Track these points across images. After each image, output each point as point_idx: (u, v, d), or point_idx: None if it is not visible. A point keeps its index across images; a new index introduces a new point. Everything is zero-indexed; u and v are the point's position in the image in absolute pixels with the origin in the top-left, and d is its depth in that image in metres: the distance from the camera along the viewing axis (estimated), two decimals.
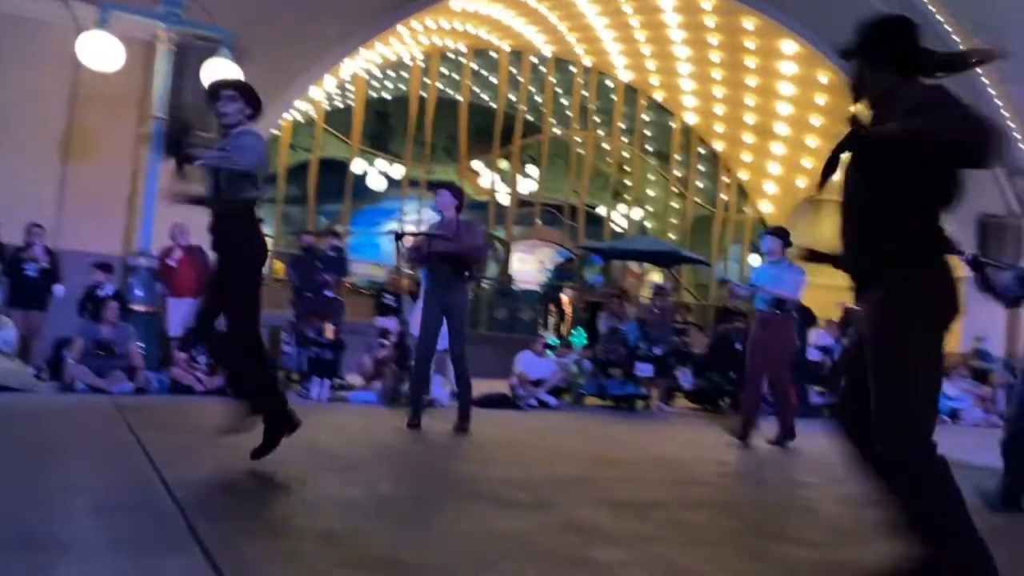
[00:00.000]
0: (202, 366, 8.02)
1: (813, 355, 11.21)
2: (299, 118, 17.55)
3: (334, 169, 17.85)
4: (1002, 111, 16.70)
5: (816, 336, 11.65)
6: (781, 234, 7.10)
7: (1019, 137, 16.90)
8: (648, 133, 21.22)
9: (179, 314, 8.78)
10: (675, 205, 21.56)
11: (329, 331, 8.58)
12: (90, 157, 10.45)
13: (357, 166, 17.96)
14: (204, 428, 5.83)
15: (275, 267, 16.56)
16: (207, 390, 7.86)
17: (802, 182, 20.08)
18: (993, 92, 16.54)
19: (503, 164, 19.49)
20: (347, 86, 17.90)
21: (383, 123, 19.16)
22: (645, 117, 20.90)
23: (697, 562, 2.86)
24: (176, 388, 7.85)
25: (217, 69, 9.44)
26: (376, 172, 18.41)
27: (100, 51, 9.01)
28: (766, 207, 21.55)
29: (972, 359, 13.66)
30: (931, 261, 2.36)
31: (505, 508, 3.57)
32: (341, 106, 18.35)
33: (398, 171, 18.44)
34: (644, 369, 10.08)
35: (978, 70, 16.12)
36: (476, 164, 19.39)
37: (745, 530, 3.47)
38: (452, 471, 3.98)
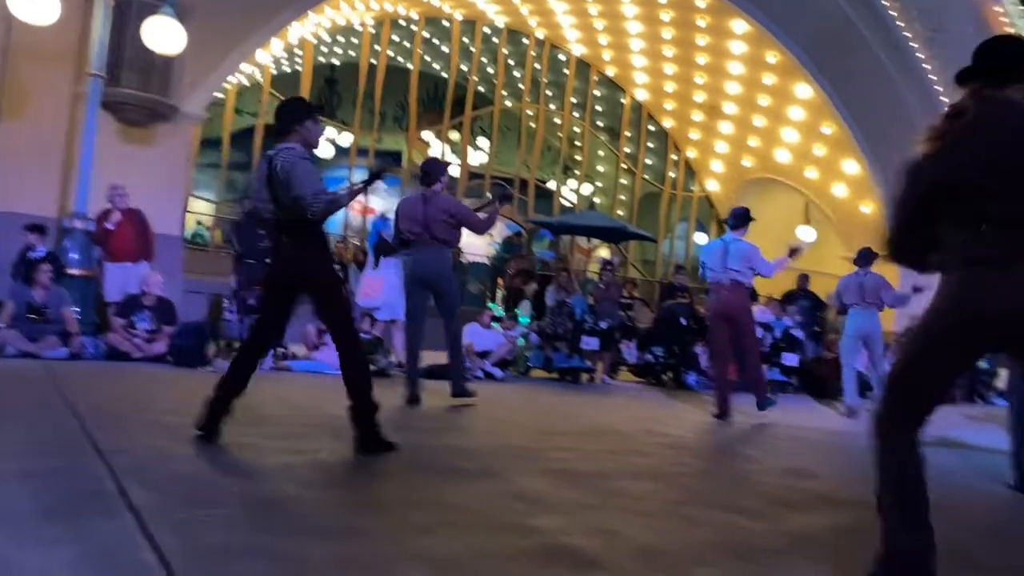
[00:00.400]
0: (140, 332, 7.83)
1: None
2: (244, 82, 17.12)
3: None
4: (942, 97, 17.11)
5: (757, 313, 11.86)
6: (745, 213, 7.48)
7: None
8: (599, 108, 21.24)
9: (117, 278, 8.55)
10: (624, 181, 21.68)
11: None
12: (23, 115, 10.06)
13: None
14: (140, 394, 5.71)
15: (216, 235, 16.25)
16: (145, 356, 7.69)
17: (748, 161, 20.35)
18: (934, 78, 16.92)
19: (454, 135, 19.33)
20: (295, 51, 17.50)
21: (331, 90, 18.81)
22: (596, 92, 20.90)
23: (635, 529, 2.90)
24: (113, 354, 7.65)
25: (158, 27, 9.12)
26: (324, 139, 18.06)
27: (33, 3, 8.61)
28: (712, 185, 21.81)
29: (904, 338, 14.05)
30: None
31: (449, 477, 3.57)
32: (289, 71, 17.95)
33: (346, 139, 18.14)
34: (590, 343, 10.17)
35: (919, 55, 16.50)
36: (426, 134, 19.19)
37: (683, 499, 3.53)
38: (397, 441, 3.96)
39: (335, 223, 17.63)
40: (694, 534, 2.93)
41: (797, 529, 3.15)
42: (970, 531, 3.35)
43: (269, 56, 16.70)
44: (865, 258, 8.81)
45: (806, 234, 19.45)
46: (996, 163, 2.21)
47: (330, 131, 18.17)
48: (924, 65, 16.75)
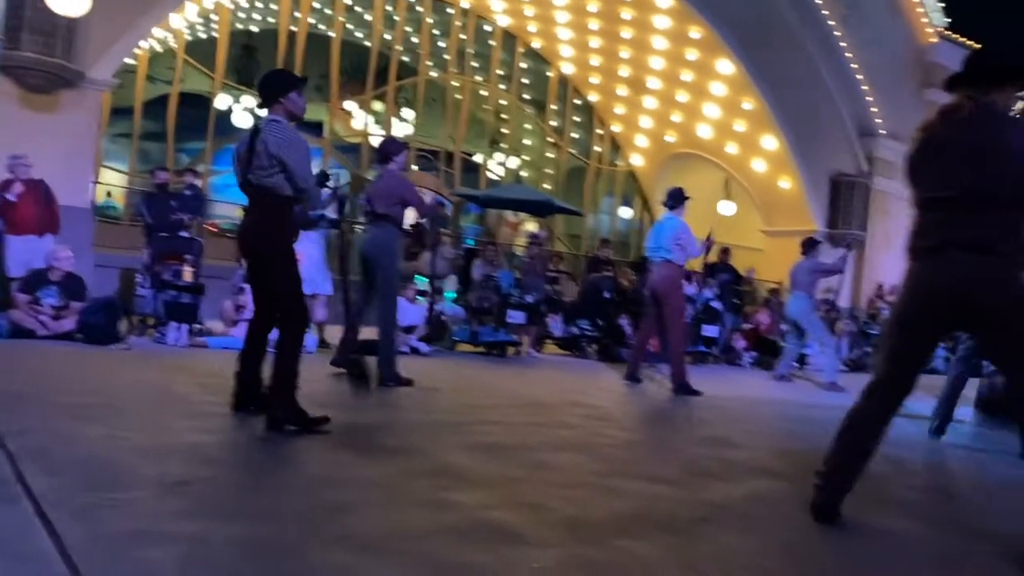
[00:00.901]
0: (46, 308, 7.46)
1: None
2: (157, 48, 16.40)
3: (196, 104, 16.81)
4: (856, 75, 17.60)
5: None
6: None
7: (870, 100, 17.88)
8: (525, 81, 21.12)
9: (19, 253, 8.12)
10: (550, 155, 21.67)
11: (187, 273, 8.14)
12: None
13: (221, 102, 17.00)
14: (46, 374, 5.44)
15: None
16: (52, 334, 7.34)
17: (671, 137, 20.58)
18: (849, 55, 17.37)
19: (377, 105, 18.96)
20: (211, 16, 16.83)
21: (249, 57, 18.18)
22: (523, 65, 20.77)
23: (559, 502, 2.89)
24: (16, 332, 7.27)
25: None
26: (242, 109, 17.49)
27: None
28: (637, 160, 22.01)
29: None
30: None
31: (368, 454, 3.50)
32: (204, 37, 17.26)
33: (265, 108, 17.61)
34: (516, 316, 10.17)
35: (836, 33, 16.90)
36: (349, 104, 18.76)
37: (607, 471, 3.54)
38: (310, 414, 3.86)
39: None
40: (617, 505, 2.94)
41: (717, 498, 3.19)
42: (892, 472, 3.46)
43: (183, 21, 16.01)
44: (804, 246, 9.74)
45: (726, 208, 19.86)
46: None
47: (248, 100, 17.61)
48: (841, 43, 17.18)
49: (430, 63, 19.72)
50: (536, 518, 2.65)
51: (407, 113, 19.52)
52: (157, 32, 14.73)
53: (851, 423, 2.90)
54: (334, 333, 8.85)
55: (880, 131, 18.06)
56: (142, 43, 13.81)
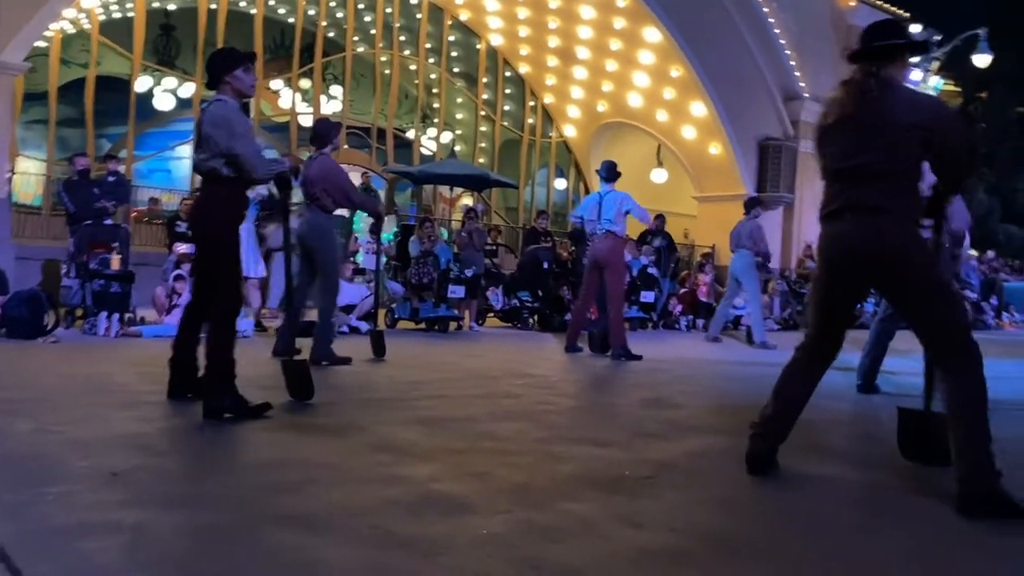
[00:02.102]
0: None
1: None
2: (70, 29, 15.74)
3: (115, 87, 16.21)
4: (780, 39, 17.91)
5: None
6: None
7: (794, 64, 18.24)
8: (455, 54, 20.93)
9: None
10: (484, 129, 21.56)
11: (115, 262, 7.90)
12: None
13: (141, 84, 16.43)
14: None
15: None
16: None
17: (602, 106, 20.68)
18: (772, 20, 17.66)
19: (304, 83, 18.57)
20: None
21: (168, 37, 17.58)
22: (451, 38, 20.56)
23: (505, 470, 2.92)
24: None
25: None
26: (163, 91, 16.95)
27: None
28: (570, 131, 22.07)
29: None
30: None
31: (311, 434, 3.48)
32: (119, 17, 16.62)
33: (188, 89, 17.07)
34: (456, 291, 10.16)
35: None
36: (275, 83, 18.33)
37: (551, 437, 3.59)
38: (252, 400, 3.81)
39: (182, 179, 16.68)
40: (562, 470, 2.98)
41: (659, 457, 3.26)
42: (825, 422, 3.59)
43: (97, 0, 15.41)
44: (746, 205, 10.13)
45: (659, 176, 20.10)
46: None
47: (170, 81, 17.06)
48: (764, 8, 17.45)
49: (356, 38, 19.37)
50: (483, 487, 2.68)
51: (335, 90, 19.17)
52: (69, 13, 14.14)
53: (786, 377, 3.04)
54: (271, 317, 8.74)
55: (804, 94, 18.46)
56: (54, 25, 13.26)
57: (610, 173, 7.75)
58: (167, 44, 17.56)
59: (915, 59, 21.75)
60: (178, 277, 7.77)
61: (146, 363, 5.45)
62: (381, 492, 2.56)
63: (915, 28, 20.42)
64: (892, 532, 2.41)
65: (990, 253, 20.62)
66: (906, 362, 6.40)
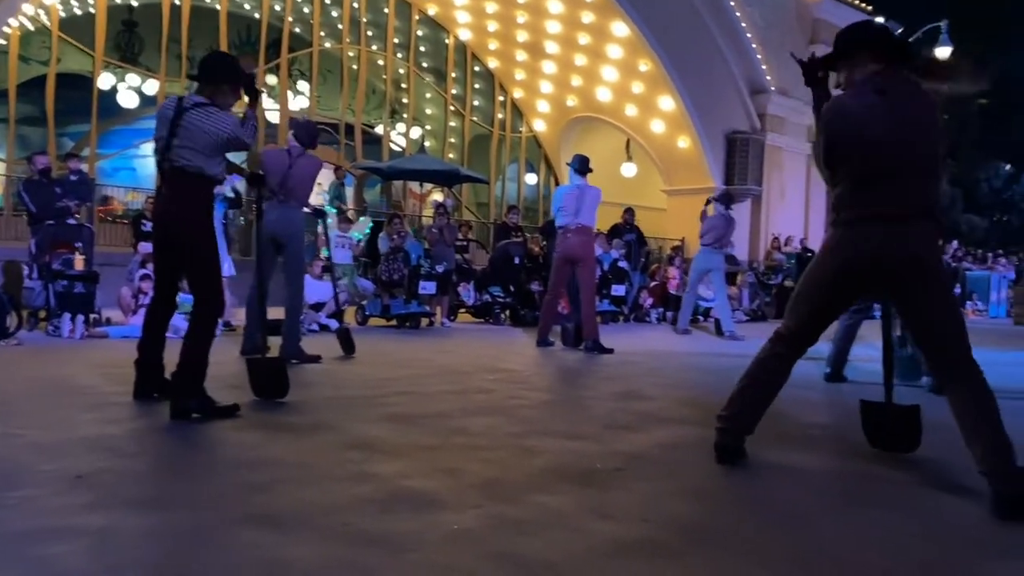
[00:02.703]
0: None
1: None
2: (29, 26, 15.42)
3: (76, 85, 15.92)
4: (746, 33, 18.04)
5: None
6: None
7: (760, 58, 18.39)
8: (423, 49, 20.83)
9: None
10: (453, 124, 21.50)
11: (79, 262, 7.77)
12: None
13: (104, 81, 16.17)
14: None
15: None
16: None
17: (572, 101, 20.70)
18: (739, 14, 17.78)
19: (271, 79, 18.37)
20: None
21: (131, 33, 17.30)
22: (419, 32, 20.46)
23: (476, 465, 2.91)
24: None
25: None
26: (127, 88, 16.69)
27: None
28: (540, 126, 22.08)
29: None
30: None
31: (280, 433, 3.44)
32: (80, 13, 16.32)
33: (152, 87, 16.82)
34: (427, 287, 10.12)
35: None
36: None
37: (523, 431, 3.59)
38: (220, 400, 3.76)
39: (147, 178, 16.44)
40: (534, 463, 2.98)
41: (630, 449, 3.28)
42: (793, 411, 3.63)
43: None
44: (719, 200, 10.30)
45: (628, 170, 20.19)
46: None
47: (133, 78, 16.80)
48: (731, 3, 17.56)
49: (323, 33, 19.21)
50: (454, 483, 2.67)
51: (302, 86, 19.01)
52: (27, 8, 13.86)
53: (757, 367, 3.05)
54: (240, 316, 8.64)
55: (771, 88, 18.63)
56: (12, 20, 12.99)
57: (583, 167, 7.77)
58: (130, 41, 17.29)
59: None
60: (144, 277, 7.66)
61: (112, 364, 5.37)
62: (351, 490, 2.54)
63: (879, 20, 20.72)
64: (859, 519, 2.44)
65: (954, 243, 20.98)
66: (873, 351, 6.50)
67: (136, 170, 17.17)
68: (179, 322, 5.73)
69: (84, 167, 10.70)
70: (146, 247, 8.25)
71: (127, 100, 16.63)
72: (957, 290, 17.67)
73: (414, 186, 19.43)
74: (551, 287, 8.03)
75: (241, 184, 8.17)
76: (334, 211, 12.39)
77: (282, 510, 2.32)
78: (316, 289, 8.83)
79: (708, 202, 10.55)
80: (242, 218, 12.92)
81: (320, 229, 7.63)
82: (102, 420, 3.57)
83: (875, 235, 2.72)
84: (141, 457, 3.07)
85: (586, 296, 7.61)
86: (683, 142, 18.50)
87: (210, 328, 3.88)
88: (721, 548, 2.13)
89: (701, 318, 12.30)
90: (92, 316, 7.70)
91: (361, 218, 12.62)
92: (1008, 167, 31.80)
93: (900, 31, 20.68)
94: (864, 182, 2.76)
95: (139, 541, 2.06)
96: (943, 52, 19.87)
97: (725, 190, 10.41)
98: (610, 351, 7.27)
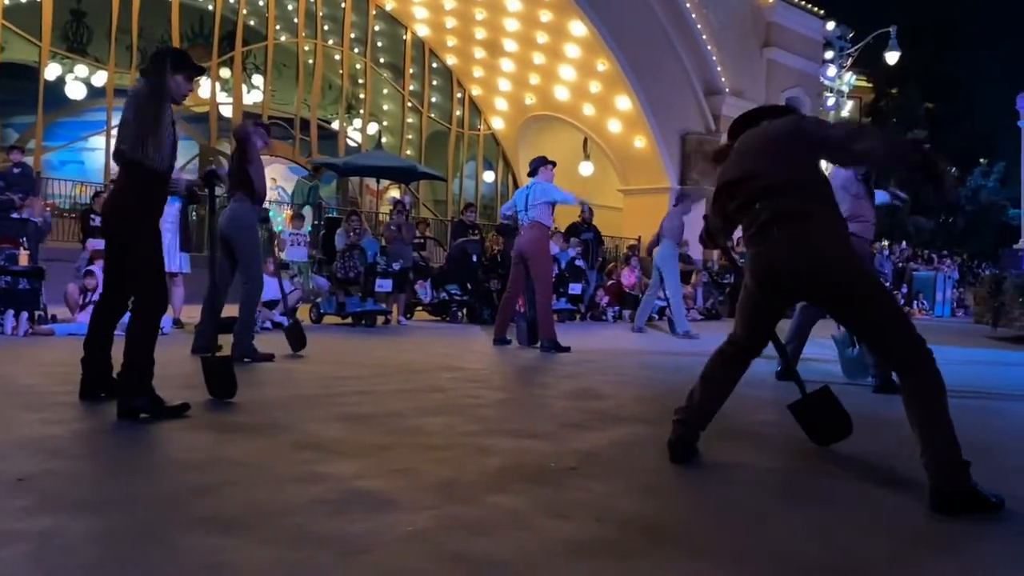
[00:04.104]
0: None
1: None
2: None
3: (21, 75, 15.50)
4: (702, 34, 18.24)
5: None
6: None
7: (715, 59, 18.61)
8: (380, 44, 20.69)
9: None
10: (411, 120, 21.39)
11: (23, 257, 7.56)
12: None
13: (50, 72, 15.76)
14: None
15: None
16: None
17: (529, 99, 20.74)
18: (694, 16, 17.97)
19: (224, 72, 18.08)
20: None
21: (79, 23, 16.87)
22: (376, 27, 20.31)
23: (431, 465, 2.90)
24: None
25: None
26: (74, 79, 16.29)
27: None
28: (498, 123, 22.07)
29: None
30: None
31: (230, 433, 3.39)
32: (25, 1, 15.88)
33: (100, 78, 16.44)
34: (384, 285, 10.06)
35: None
36: None
37: (477, 430, 3.58)
38: (171, 400, 3.69)
39: (96, 171, 16.07)
40: (489, 463, 2.98)
41: (585, 448, 3.29)
42: (746, 409, 3.68)
43: None
44: (676, 199, 10.62)
45: (586, 169, 20.29)
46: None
47: (81, 69, 16.39)
48: (687, 4, 17.73)
49: (279, 27, 18.98)
50: (408, 483, 2.65)
51: (257, 80, 18.75)
52: None
53: (712, 366, 3.11)
54: (192, 313, 8.49)
55: (725, 89, 18.86)
56: None
57: (535, 167, 7.83)
58: (78, 30, 16.88)
59: (829, 55, 22.47)
60: (89, 273, 7.49)
61: (56, 363, 5.23)
62: (303, 491, 2.51)
63: (829, 26, 21.10)
64: (807, 515, 2.48)
65: (902, 244, 21.49)
66: (825, 350, 6.63)
67: (84, 163, 16.77)
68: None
69: (28, 160, 10.40)
70: (95, 243, 8.07)
71: (75, 91, 16.23)
72: (904, 290, 18.12)
73: (371, 182, 19.29)
74: (508, 285, 8.03)
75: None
76: (310, 211, 12.38)
77: (232, 512, 2.28)
78: (269, 286, 8.70)
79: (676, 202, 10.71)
80: (194, 214, 12.72)
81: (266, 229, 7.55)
82: (46, 420, 3.47)
83: (778, 241, 2.77)
84: (86, 458, 2.99)
85: (541, 294, 7.59)
86: (639, 142, 18.66)
87: (149, 324, 3.78)
88: (673, 546, 2.15)
89: (656, 316, 12.43)
90: (37, 313, 7.50)
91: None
92: (954, 170, 32.67)
93: (851, 35, 21.12)
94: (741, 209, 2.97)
95: (81, 545, 2.01)
96: (892, 56, 20.36)
97: (680, 190, 10.53)
98: (567, 349, 7.29)
